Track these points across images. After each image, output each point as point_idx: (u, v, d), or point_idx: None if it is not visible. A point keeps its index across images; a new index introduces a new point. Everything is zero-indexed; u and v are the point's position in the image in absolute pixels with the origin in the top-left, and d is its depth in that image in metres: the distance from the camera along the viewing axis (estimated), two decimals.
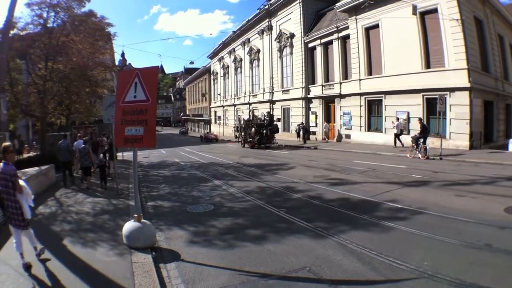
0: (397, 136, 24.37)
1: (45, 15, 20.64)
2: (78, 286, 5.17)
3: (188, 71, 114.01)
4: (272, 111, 43.45)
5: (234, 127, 48.52)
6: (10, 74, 19.26)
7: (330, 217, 8.53)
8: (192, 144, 45.47)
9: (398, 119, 25.00)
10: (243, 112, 50.25)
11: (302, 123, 36.93)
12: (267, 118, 35.60)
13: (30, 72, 21.62)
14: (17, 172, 5.98)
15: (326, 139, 35.00)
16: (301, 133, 35.40)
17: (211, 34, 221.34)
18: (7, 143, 6.45)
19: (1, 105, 13.43)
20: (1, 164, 5.83)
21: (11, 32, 17.49)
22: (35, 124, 32.53)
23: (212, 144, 45.91)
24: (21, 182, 5.97)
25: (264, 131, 33.58)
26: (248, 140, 34.95)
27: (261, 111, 43.63)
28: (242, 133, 36.96)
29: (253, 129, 33.87)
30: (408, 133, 24.20)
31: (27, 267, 5.66)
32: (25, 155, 22.21)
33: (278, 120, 38.81)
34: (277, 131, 35.16)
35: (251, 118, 37.53)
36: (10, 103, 19.96)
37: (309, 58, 38.04)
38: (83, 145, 13.43)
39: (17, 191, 5.78)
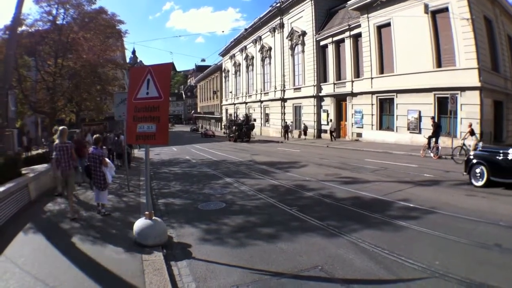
0: (331, 132, 32.94)
1: (54, 12, 20.77)
2: (86, 284, 5.09)
3: (200, 68, 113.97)
4: (284, 108, 45.69)
5: (223, 125, 57.36)
6: (18, 70, 19.37)
7: (342, 216, 8.50)
8: (202, 141, 45.67)
9: (331, 120, 34.36)
10: (254, 110, 51.63)
11: (285, 122, 43.48)
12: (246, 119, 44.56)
13: (39, 69, 21.71)
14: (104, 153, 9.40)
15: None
16: (284, 130, 41.85)
17: (223, 31, 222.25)
18: (97, 135, 9.69)
19: (9, 102, 13.49)
20: (91, 148, 9.16)
21: (19, 28, 17.60)
22: (43, 120, 32.74)
23: (209, 139, 52.82)
24: (106, 160, 9.06)
25: (243, 129, 41.49)
26: (231, 135, 43.21)
27: (272, 109, 48.42)
28: (227, 130, 46.35)
29: (234, 127, 42.72)
30: (420, 132, 24.14)
31: (99, 212, 8.93)
32: (34, 152, 22.25)
33: (255, 120, 49.04)
34: (253, 129, 43.47)
35: (234, 118, 46.62)
36: (18, 100, 20.08)
37: (321, 56, 37.81)
38: (116, 139, 19.32)
39: (103, 165, 8.76)
